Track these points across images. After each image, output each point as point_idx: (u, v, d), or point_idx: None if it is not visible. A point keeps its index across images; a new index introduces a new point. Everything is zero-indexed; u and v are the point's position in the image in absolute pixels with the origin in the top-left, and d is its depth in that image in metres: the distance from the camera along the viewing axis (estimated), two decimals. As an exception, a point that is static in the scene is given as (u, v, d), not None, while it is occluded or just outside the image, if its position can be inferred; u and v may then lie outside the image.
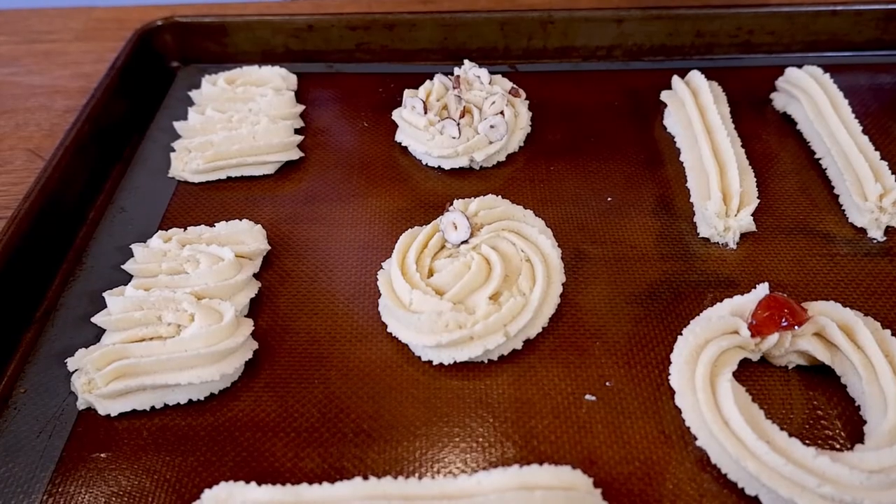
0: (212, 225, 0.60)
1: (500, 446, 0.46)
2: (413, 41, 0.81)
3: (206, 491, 0.42)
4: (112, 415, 0.48)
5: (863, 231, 0.59)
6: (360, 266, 0.58)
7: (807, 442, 0.43)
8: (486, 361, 0.51)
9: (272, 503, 0.40)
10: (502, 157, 0.68)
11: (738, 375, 0.47)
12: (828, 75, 0.69)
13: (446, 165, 0.67)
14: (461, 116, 0.66)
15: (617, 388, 0.49)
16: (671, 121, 0.70)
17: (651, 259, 0.58)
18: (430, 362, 0.51)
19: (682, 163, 0.65)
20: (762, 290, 0.50)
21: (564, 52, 0.81)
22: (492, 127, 0.65)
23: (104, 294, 0.53)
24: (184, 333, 0.50)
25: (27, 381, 0.51)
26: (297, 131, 0.71)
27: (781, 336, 0.48)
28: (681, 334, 0.50)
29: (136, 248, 0.57)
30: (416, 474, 0.45)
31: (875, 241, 0.58)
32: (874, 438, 0.43)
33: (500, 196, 0.59)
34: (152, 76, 0.80)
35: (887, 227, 0.59)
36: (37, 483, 0.45)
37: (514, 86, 0.71)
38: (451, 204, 0.57)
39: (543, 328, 0.52)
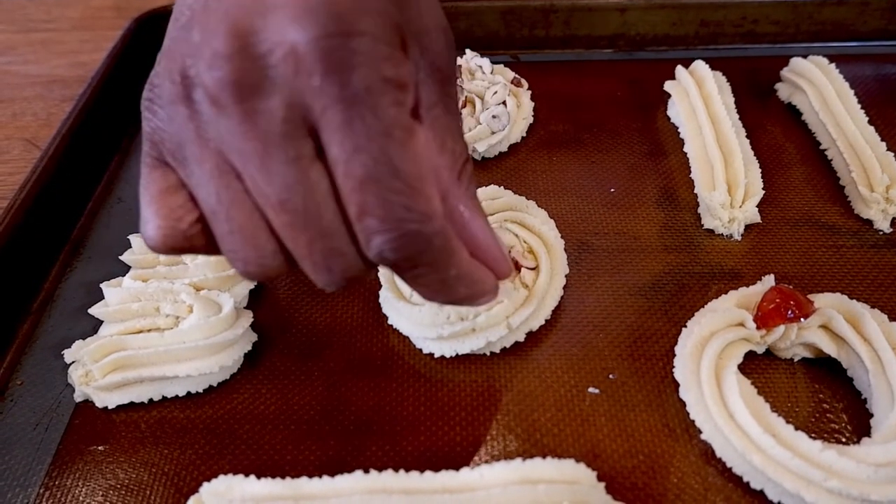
0: (210, 215, 0.59)
1: (502, 439, 0.46)
2: (414, 30, 0.80)
3: (205, 484, 0.41)
4: (109, 407, 0.48)
5: (869, 223, 0.58)
6: (361, 257, 0.58)
7: (813, 435, 0.42)
8: (488, 354, 0.50)
9: (271, 496, 0.40)
10: (504, 148, 0.67)
11: (743, 368, 0.47)
12: (833, 65, 0.68)
13: (448, 156, 0.66)
14: (463, 107, 0.65)
15: (620, 381, 0.48)
16: (675, 111, 0.69)
17: (655, 251, 0.57)
18: (431, 355, 0.50)
19: (686, 153, 0.65)
20: (768, 281, 0.50)
21: (567, 41, 0.80)
22: (494, 117, 0.64)
23: (102, 285, 0.52)
24: (182, 325, 0.49)
25: (24, 372, 0.51)
26: (296, 121, 0.70)
27: (787, 328, 0.47)
28: (685, 326, 0.50)
29: (134, 238, 0.56)
30: (418, 467, 0.44)
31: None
32: (881, 432, 0.43)
33: (502, 187, 0.58)
34: (150, 65, 0.79)
35: (894, 218, 0.58)
36: (33, 476, 0.45)
37: (517, 76, 0.70)
38: (453, 194, 0.56)
39: (546, 320, 0.51)
